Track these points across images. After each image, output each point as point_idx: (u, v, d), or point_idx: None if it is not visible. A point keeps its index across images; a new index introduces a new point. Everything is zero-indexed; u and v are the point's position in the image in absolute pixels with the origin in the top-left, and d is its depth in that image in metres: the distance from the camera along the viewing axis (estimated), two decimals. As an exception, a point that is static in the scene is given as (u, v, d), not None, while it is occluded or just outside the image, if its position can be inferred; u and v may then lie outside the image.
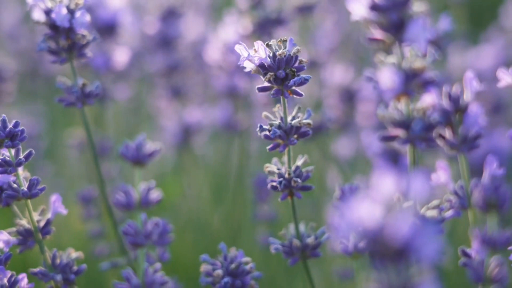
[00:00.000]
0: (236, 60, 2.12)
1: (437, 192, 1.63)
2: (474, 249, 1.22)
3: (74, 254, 1.41)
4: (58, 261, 1.39)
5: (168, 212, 2.52)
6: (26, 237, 1.39)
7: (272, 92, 1.33)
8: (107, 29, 2.31)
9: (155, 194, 1.33)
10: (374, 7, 1.22)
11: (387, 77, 1.20)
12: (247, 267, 1.37)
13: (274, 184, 1.34)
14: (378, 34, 1.23)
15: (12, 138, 1.35)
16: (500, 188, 1.18)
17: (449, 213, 1.32)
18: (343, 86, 2.45)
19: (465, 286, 2.07)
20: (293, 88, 1.32)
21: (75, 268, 1.39)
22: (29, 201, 1.37)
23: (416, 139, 1.23)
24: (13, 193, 1.36)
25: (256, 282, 1.37)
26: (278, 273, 2.32)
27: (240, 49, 1.31)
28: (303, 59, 1.32)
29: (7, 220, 1.79)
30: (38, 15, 1.48)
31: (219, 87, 2.42)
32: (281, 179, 1.33)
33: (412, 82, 1.22)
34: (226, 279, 1.35)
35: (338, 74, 2.46)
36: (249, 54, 1.31)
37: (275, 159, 1.37)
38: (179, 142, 2.47)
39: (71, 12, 1.46)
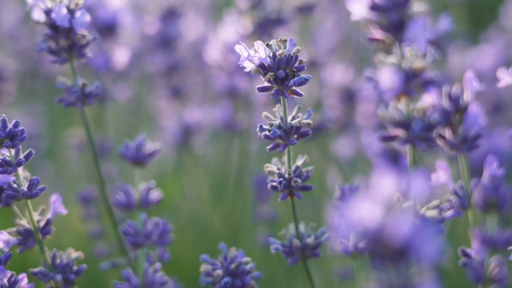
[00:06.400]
0: (236, 60, 2.12)
1: (437, 192, 1.63)
2: (474, 249, 1.22)
3: (74, 254, 1.41)
4: (58, 261, 1.39)
5: (168, 212, 2.52)
6: (26, 237, 1.39)
7: (272, 92, 1.33)
8: (107, 29, 2.31)
9: (155, 194, 1.33)
10: (374, 7, 1.22)
11: (387, 77, 1.20)
12: (247, 267, 1.37)
13: (274, 184, 1.34)
14: (378, 34, 1.23)
15: (12, 138, 1.35)
16: (500, 188, 1.18)
17: (449, 213, 1.32)
18: (343, 86, 2.45)
19: (465, 286, 2.07)
20: (293, 88, 1.32)
21: (75, 268, 1.39)
22: (29, 201, 1.37)
23: (416, 139, 1.23)
24: (13, 193, 1.36)
25: (256, 282, 1.37)
26: (278, 273, 2.32)
27: (240, 49, 1.31)
28: (303, 59, 1.32)
29: (7, 220, 1.79)
30: (38, 15, 1.48)
31: (219, 87, 2.42)
32: (281, 179, 1.33)
33: (412, 82, 1.22)
34: (226, 279, 1.35)
35: (338, 74, 2.46)
36: (249, 54, 1.31)
37: (275, 159, 1.37)
38: (179, 142, 2.47)
39: (71, 12, 1.46)
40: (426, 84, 1.23)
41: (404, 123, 1.23)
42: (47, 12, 1.47)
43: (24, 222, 1.39)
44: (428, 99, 1.25)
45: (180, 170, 2.67)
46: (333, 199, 1.39)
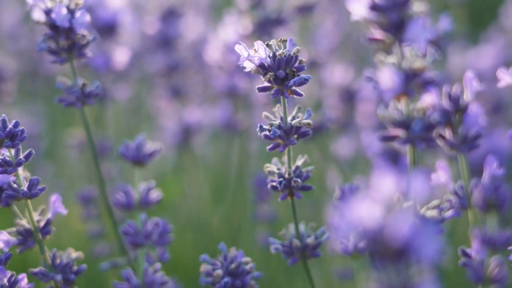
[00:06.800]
0: (236, 60, 2.12)
1: (437, 192, 1.63)
2: (474, 249, 1.22)
3: (74, 254, 1.41)
4: (58, 261, 1.39)
5: (168, 212, 2.52)
6: (26, 237, 1.39)
7: (272, 92, 1.33)
8: (107, 29, 2.31)
9: (155, 194, 1.33)
10: (374, 7, 1.22)
11: (387, 77, 1.20)
12: (247, 267, 1.37)
13: (274, 184, 1.34)
14: (378, 34, 1.23)
15: (12, 138, 1.35)
16: (500, 188, 1.18)
17: (449, 213, 1.32)
18: (343, 86, 2.45)
19: (465, 286, 2.07)
20: (293, 88, 1.32)
21: (75, 268, 1.39)
22: (29, 201, 1.37)
23: (416, 139, 1.23)
24: (13, 193, 1.36)
25: (256, 282, 1.37)
26: (278, 273, 2.32)
27: (240, 49, 1.31)
28: (303, 59, 1.32)
29: (7, 220, 1.79)
30: (38, 15, 1.48)
31: (219, 87, 2.42)
32: (281, 179, 1.33)
33: (412, 82, 1.22)
34: (226, 279, 1.35)
35: (338, 74, 2.46)
36: (249, 54, 1.31)
37: (275, 159, 1.37)
38: (179, 142, 2.47)
39: (71, 12, 1.46)
40: (426, 84, 1.23)
41: (404, 123, 1.23)
42: (47, 12, 1.47)
43: (24, 222, 1.39)
44: (428, 99, 1.25)
45: (180, 170, 2.67)
46: (333, 199, 1.39)
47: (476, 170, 1.65)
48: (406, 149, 1.28)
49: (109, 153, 2.33)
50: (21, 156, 1.36)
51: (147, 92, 2.93)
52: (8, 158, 1.35)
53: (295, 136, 1.33)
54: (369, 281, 0.97)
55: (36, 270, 1.38)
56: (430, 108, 1.25)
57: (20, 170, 1.38)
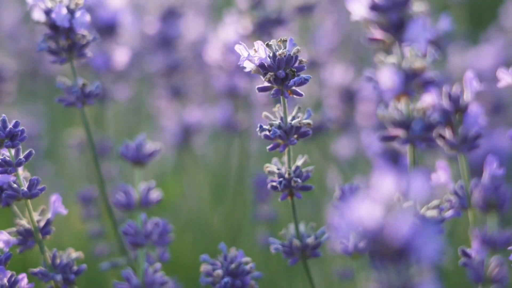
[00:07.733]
0: (236, 60, 2.12)
1: (437, 192, 1.63)
2: (474, 249, 1.22)
3: (74, 254, 1.41)
4: (58, 261, 1.39)
5: (168, 212, 2.52)
6: (26, 237, 1.39)
7: (272, 92, 1.33)
8: (107, 29, 2.31)
9: (155, 194, 1.33)
10: (374, 7, 1.22)
11: (387, 77, 1.20)
12: (247, 267, 1.37)
13: (274, 184, 1.34)
14: (378, 34, 1.23)
15: (12, 138, 1.35)
16: (500, 188, 1.18)
17: (449, 213, 1.32)
18: (343, 86, 2.45)
19: (465, 286, 2.07)
20: (293, 88, 1.32)
21: (75, 268, 1.39)
22: (29, 201, 1.37)
23: (416, 139, 1.23)
24: (13, 193, 1.36)
25: (256, 282, 1.37)
26: (278, 273, 2.32)
27: (240, 49, 1.31)
28: (303, 59, 1.32)
29: (7, 220, 1.79)
30: (38, 15, 1.48)
31: (219, 87, 2.42)
32: (281, 179, 1.33)
33: (412, 82, 1.22)
34: (226, 279, 1.35)
35: (338, 74, 2.46)
36: (249, 54, 1.31)
37: (275, 159, 1.37)
38: (179, 142, 2.47)
39: (71, 12, 1.46)
40: (426, 84, 1.23)
41: (404, 123, 1.23)
42: (47, 12, 1.47)
43: (24, 222, 1.39)
44: (428, 99, 1.25)
45: (180, 170, 2.67)
46: (333, 199, 1.39)
47: (476, 170, 1.65)
48: (406, 149, 1.28)
49: (109, 153, 2.33)
50: (21, 156, 1.36)
51: (147, 92, 2.93)
52: (8, 158, 1.35)
53: (295, 136, 1.33)
54: (369, 281, 0.97)
55: (36, 270, 1.38)
56: (430, 108, 1.25)
57: (20, 170, 1.38)
